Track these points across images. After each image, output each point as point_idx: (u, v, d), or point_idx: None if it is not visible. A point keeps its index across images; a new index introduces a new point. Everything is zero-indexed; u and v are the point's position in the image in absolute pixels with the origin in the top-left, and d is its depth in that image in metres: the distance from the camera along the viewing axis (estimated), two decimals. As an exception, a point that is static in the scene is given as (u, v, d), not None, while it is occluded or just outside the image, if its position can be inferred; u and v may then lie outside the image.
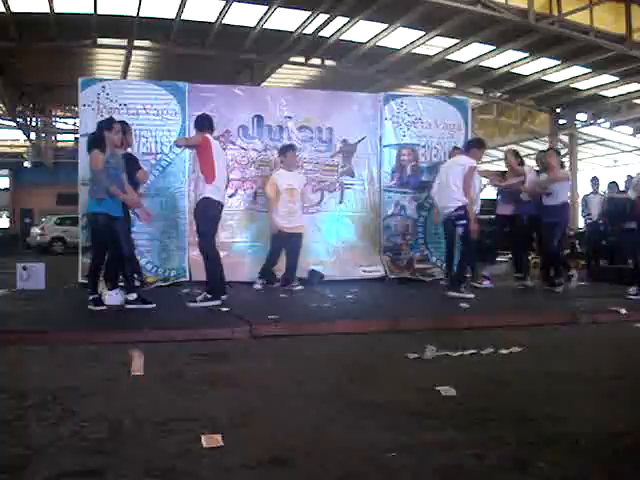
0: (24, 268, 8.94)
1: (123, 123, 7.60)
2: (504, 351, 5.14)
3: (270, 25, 17.39)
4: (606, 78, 21.11)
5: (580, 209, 14.94)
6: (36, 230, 27.69)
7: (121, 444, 3.03)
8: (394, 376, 4.46)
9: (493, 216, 10.07)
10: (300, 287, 8.79)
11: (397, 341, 5.74)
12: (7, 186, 37.94)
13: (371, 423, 3.36)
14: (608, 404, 3.74)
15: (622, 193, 13.64)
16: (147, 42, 19.15)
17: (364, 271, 8.97)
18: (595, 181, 14.36)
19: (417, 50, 19.14)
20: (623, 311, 7.06)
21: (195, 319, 6.57)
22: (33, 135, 34.44)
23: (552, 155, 9.47)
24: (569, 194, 8.88)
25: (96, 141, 7.02)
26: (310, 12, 16.45)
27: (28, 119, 31.28)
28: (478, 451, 2.92)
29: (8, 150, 37.57)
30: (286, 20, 17.26)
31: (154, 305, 7.00)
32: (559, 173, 8.99)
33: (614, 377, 4.41)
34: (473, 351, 5.10)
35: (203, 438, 3.04)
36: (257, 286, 8.98)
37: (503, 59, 19.73)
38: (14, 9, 15.68)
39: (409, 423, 3.37)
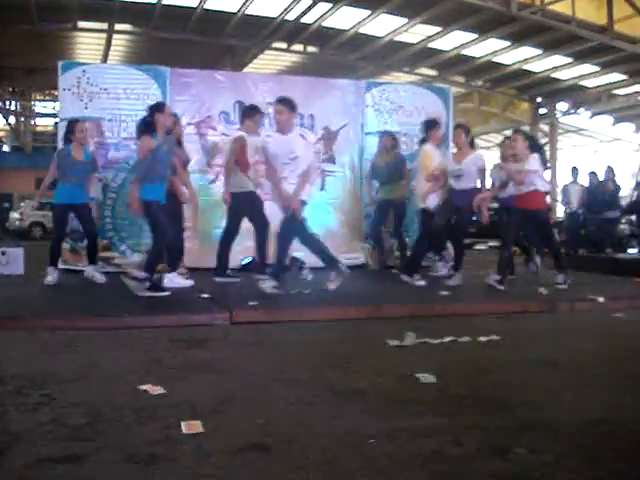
0: (3, 253, 8.88)
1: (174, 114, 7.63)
2: (483, 338, 5.18)
3: (252, 10, 17.33)
4: (587, 68, 21.24)
5: (560, 198, 15.03)
6: (15, 215, 27.48)
7: (100, 430, 3.02)
8: (374, 363, 4.48)
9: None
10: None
11: (377, 328, 5.76)
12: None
13: (351, 409, 3.38)
14: (586, 391, 3.77)
15: (602, 183, 13.77)
16: (128, 26, 19.02)
17: (346, 258, 8.96)
18: (575, 171, 14.46)
19: (399, 38, 19.17)
20: (601, 299, 7.14)
21: (174, 305, 6.55)
22: (12, 119, 34.12)
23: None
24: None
25: (146, 125, 7.00)
26: (293, -2, 16.40)
27: (7, 102, 30.99)
28: (457, 437, 2.94)
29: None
30: (268, 5, 17.19)
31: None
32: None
33: (592, 365, 4.45)
34: (452, 338, 5.13)
35: (183, 424, 3.04)
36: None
37: (485, 48, 19.80)
38: (-8, -9, 15.51)
39: (389, 409, 3.39)
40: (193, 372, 4.12)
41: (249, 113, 8.31)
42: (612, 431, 3.09)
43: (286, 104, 7.24)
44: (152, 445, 2.82)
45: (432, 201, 8.23)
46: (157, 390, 3.63)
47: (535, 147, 7.95)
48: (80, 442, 2.86)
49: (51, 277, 7.74)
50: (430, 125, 8.49)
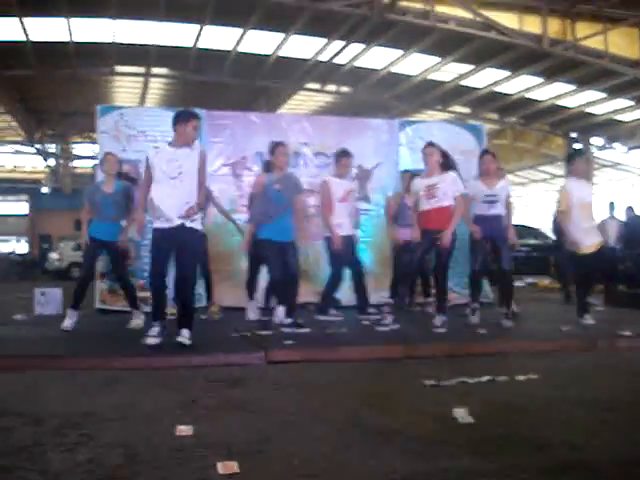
0: (42, 293, 8.99)
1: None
2: (521, 377, 5.11)
3: (286, 52, 17.56)
4: (621, 102, 21.13)
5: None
6: (54, 255, 27.85)
7: (137, 471, 3.04)
8: (410, 402, 4.44)
9: None
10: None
11: (413, 367, 5.72)
12: (26, 212, 38.29)
13: (387, 450, 3.35)
14: (625, 430, 3.71)
15: (639, 218, 13.59)
16: (165, 69, 19.37)
17: (382, 297, 8.91)
18: (612, 206, 14.31)
19: (432, 76, 19.26)
20: (627, 333, 7.11)
21: (210, 345, 6.57)
22: (52, 161, 34.78)
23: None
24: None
25: (264, 164, 7.62)
26: (326, 39, 16.59)
27: (46, 145, 31.63)
28: (495, 479, 2.91)
29: (27, 176, 37.97)
30: (302, 47, 17.41)
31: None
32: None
33: (632, 403, 4.37)
34: (490, 377, 5.08)
35: (219, 465, 3.04)
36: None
37: (518, 84, 19.80)
38: (33, 37, 15.93)
39: (425, 450, 3.36)
40: (229, 412, 4.13)
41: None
42: (653, 472, 3.04)
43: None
44: (189, 486, 2.83)
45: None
46: (193, 430, 3.64)
47: (450, 165, 7.74)
48: (118, 482, 2.88)
49: (68, 321, 7.20)
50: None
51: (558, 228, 11.46)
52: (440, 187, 7.38)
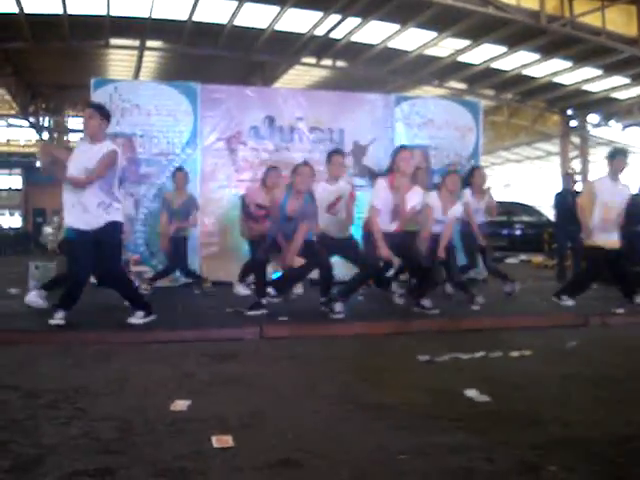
0: (36, 267, 8.96)
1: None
2: (515, 353, 5.13)
3: (281, 26, 17.40)
4: (618, 80, 21.02)
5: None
6: (48, 229, 27.78)
7: (132, 444, 3.05)
8: (405, 378, 4.46)
9: None
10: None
11: (408, 343, 5.74)
12: (20, 186, 38.15)
13: (382, 425, 3.37)
14: (618, 407, 3.73)
15: (636, 196, 13.57)
16: (159, 43, 19.20)
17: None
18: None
19: (429, 51, 19.11)
20: (621, 311, 7.17)
21: (205, 320, 6.59)
22: (45, 135, 34.58)
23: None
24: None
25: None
26: (322, 13, 16.46)
27: (40, 119, 31.43)
28: (489, 454, 2.92)
29: (21, 150, 37.78)
30: (298, 21, 17.26)
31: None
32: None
33: (625, 380, 4.40)
34: (483, 353, 5.10)
35: (213, 439, 3.05)
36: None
37: (515, 61, 19.67)
38: (27, 10, 15.76)
39: (420, 425, 3.37)
40: (224, 386, 4.14)
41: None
42: (646, 448, 3.06)
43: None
44: (183, 459, 2.84)
45: None
46: (188, 404, 3.65)
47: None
48: (111, 456, 2.88)
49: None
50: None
51: (558, 205, 11.46)
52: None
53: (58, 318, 5.89)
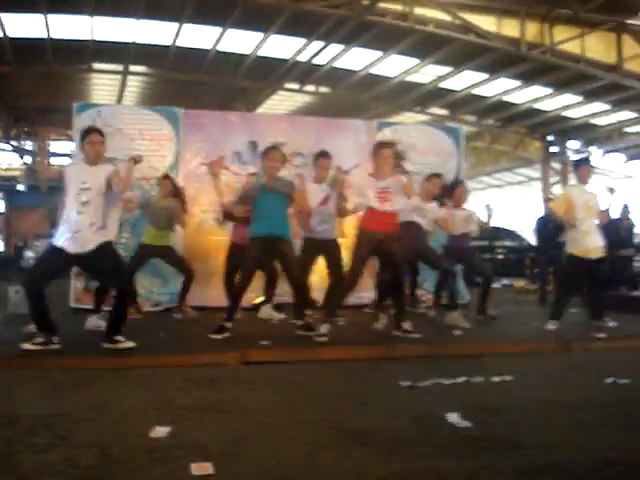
0: (16, 291, 8.89)
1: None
2: (496, 379, 5.14)
3: (265, 52, 17.52)
4: (598, 106, 21.29)
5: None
6: (29, 254, 27.59)
7: (111, 472, 3.01)
8: (387, 403, 4.45)
9: None
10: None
11: (390, 368, 5.73)
12: (1, 210, 37.90)
13: (364, 451, 3.35)
14: (601, 431, 3.73)
15: (616, 221, 13.67)
16: (143, 67, 19.25)
17: (357, 297, 8.92)
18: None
19: (411, 78, 19.31)
20: (602, 335, 7.19)
21: (185, 345, 6.55)
22: (28, 158, 34.43)
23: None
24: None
25: None
26: (305, 39, 16.59)
27: (22, 142, 31.33)
28: (470, 480, 2.91)
29: (3, 174, 37.57)
30: (281, 47, 17.39)
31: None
32: None
33: (607, 405, 4.40)
34: (465, 378, 5.10)
35: (193, 466, 3.02)
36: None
37: (496, 87, 19.90)
38: (10, 34, 15.77)
39: (402, 451, 3.36)
40: (204, 413, 4.11)
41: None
42: (627, 472, 3.06)
43: None
44: (163, 487, 2.81)
45: None
46: (168, 431, 3.62)
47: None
48: (91, 483, 2.85)
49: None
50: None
51: (540, 229, 11.56)
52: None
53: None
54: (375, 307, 8.22)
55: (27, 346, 5.86)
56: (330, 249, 7.74)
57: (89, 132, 6.29)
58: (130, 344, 6.05)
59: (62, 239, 5.98)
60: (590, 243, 7.83)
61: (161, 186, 8.75)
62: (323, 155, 7.94)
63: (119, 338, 6.05)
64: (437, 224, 8.49)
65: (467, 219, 8.69)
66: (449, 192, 8.74)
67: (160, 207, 8.59)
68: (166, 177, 8.85)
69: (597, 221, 8.01)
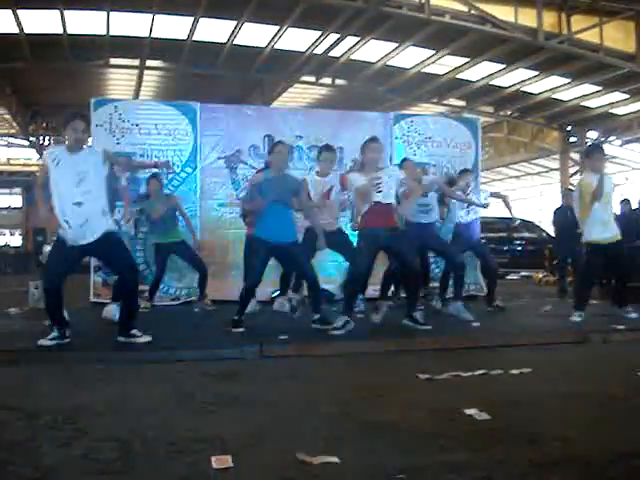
0: (36, 287, 8.97)
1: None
2: (514, 371, 5.13)
3: (281, 45, 17.50)
4: (616, 96, 21.09)
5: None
6: (48, 249, 27.76)
7: (131, 465, 3.04)
8: (405, 396, 4.45)
9: None
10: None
11: (408, 361, 5.73)
12: (20, 205, 38.19)
13: (382, 443, 3.36)
14: (618, 425, 3.72)
15: (634, 211, 13.58)
16: (159, 62, 19.30)
17: (374, 290, 8.92)
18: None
19: (427, 69, 19.20)
20: (621, 327, 7.14)
21: (205, 339, 6.59)
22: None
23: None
24: None
25: None
26: (321, 32, 16.55)
27: (41, 138, 31.52)
28: (489, 473, 2.91)
29: (21, 169, 37.84)
30: (297, 40, 17.36)
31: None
32: None
33: (625, 397, 4.39)
34: (484, 371, 5.09)
35: (213, 459, 3.05)
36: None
37: (513, 77, 19.76)
38: (27, 30, 15.86)
39: (420, 444, 3.37)
40: (223, 406, 4.13)
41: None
42: (646, 466, 3.05)
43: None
44: (182, 480, 2.84)
45: None
46: (188, 424, 3.65)
47: None
48: (111, 476, 2.88)
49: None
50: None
51: (558, 220, 11.52)
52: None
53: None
54: (378, 298, 8.25)
55: (43, 342, 5.91)
56: (339, 243, 7.79)
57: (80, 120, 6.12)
58: (146, 338, 6.09)
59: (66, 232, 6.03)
60: (605, 231, 7.78)
61: (150, 185, 8.72)
62: (325, 148, 7.96)
63: (135, 332, 6.09)
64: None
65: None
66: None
67: (156, 208, 8.62)
68: (154, 176, 8.82)
69: (611, 208, 7.96)
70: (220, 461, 3.03)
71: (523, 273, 17.51)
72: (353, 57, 18.41)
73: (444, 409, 4.01)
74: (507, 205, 9.54)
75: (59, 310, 6.08)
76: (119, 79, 21.09)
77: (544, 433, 3.51)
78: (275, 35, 16.74)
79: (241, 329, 6.80)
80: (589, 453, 3.18)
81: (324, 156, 7.85)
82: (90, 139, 6.14)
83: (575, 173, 24.97)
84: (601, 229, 7.75)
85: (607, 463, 3.05)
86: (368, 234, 6.89)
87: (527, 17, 15.55)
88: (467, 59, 18.20)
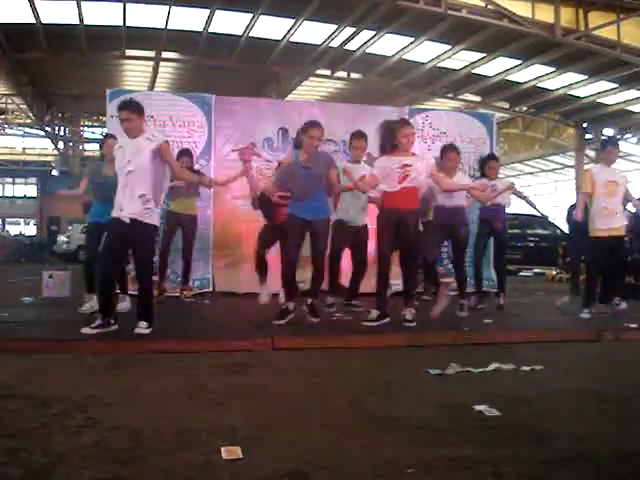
0: (50, 276, 9.02)
1: None
2: (526, 368, 5.12)
3: (296, 38, 17.52)
4: (633, 93, 20.99)
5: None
6: (62, 238, 27.91)
7: (142, 454, 3.06)
8: (415, 391, 4.46)
9: None
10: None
11: (419, 356, 5.73)
12: (35, 194, 38.42)
13: (390, 438, 3.36)
14: (629, 424, 3.71)
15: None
16: (174, 54, 19.35)
17: (392, 284, 8.91)
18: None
19: (443, 64, 19.17)
20: (634, 325, 7.09)
21: (217, 331, 6.61)
22: (61, 144, 34.80)
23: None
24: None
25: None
26: (336, 25, 16.54)
27: (56, 128, 31.66)
28: (497, 469, 2.91)
29: (36, 159, 38.08)
30: (312, 33, 17.37)
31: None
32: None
33: (635, 395, 4.37)
34: (495, 367, 5.08)
35: (223, 450, 3.06)
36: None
37: (529, 73, 19.70)
38: (44, 20, 15.93)
39: (429, 439, 3.37)
40: (234, 397, 4.15)
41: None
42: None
43: None
44: (192, 470, 2.85)
45: None
46: (198, 415, 3.67)
47: None
48: (122, 465, 2.90)
49: (87, 305, 7.36)
50: None
51: (573, 219, 11.46)
52: None
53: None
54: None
55: (86, 330, 5.96)
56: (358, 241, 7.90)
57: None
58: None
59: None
60: (608, 223, 7.72)
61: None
62: (355, 135, 7.93)
63: (147, 324, 6.09)
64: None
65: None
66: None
67: None
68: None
69: (620, 202, 7.88)
70: (230, 452, 3.04)
71: (536, 270, 17.45)
72: (368, 51, 18.40)
73: (454, 405, 4.01)
74: (531, 204, 9.47)
75: (110, 300, 6.16)
76: (135, 70, 21.18)
77: (554, 430, 3.51)
78: (291, 28, 16.76)
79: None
80: (598, 451, 3.17)
81: (355, 143, 7.83)
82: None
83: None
84: (603, 220, 7.70)
85: (616, 461, 3.05)
86: (388, 213, 6.87)
87: (544, 13, 15.50)
88: (483, 54, 18.16)
